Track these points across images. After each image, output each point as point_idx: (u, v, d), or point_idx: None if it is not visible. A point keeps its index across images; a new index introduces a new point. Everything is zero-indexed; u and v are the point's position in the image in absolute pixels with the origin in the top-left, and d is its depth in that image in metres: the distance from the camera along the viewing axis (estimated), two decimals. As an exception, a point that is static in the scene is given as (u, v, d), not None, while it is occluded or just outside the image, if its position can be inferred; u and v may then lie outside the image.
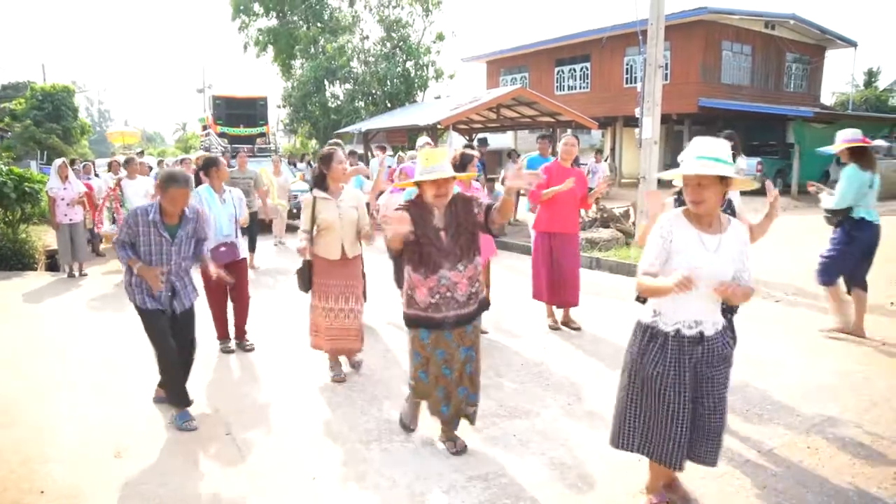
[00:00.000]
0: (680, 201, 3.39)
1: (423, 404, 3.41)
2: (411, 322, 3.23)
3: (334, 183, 4.27)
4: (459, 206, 3.15)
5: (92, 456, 3.32)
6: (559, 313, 5.63)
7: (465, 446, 3.34)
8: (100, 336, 5.57)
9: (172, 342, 3.66)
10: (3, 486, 3.03)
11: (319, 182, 4.28)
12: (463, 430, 3.42)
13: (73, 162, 11.95)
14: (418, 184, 3.15)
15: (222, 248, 4.75)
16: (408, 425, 3.54)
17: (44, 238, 9.97)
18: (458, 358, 3.21)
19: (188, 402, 3.74)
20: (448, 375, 3.22)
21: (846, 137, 4.89)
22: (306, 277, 4.35)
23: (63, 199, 8.06)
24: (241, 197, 5.08)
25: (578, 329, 5.47)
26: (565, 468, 3.13)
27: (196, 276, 3.94)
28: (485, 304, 3.28)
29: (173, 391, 3.72)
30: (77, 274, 8.27)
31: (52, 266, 9.09)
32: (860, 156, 4.85)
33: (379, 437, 3.50)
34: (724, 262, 2.43)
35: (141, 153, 13.80)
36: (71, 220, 8.14)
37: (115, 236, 7.29)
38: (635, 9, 8.96)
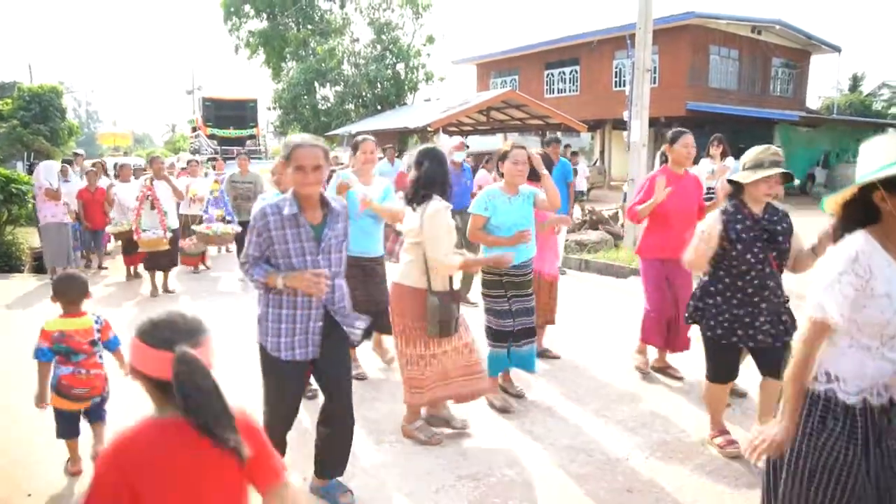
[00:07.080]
0: (734, 218, 2.76)
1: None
2: None
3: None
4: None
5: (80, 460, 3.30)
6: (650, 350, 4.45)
7: None
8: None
9: (298, 406, 2.74)
10: (-10, 488, 3.02)
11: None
12: (455, 431, 3.46)
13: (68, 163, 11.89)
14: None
15: None
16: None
17: (30, 240, 9.88)
18: None
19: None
20: None
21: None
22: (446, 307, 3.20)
23: (61, 200, 7.99)
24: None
25: (681, 379, 4.27)
26: (554, 468, 3.16)
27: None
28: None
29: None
30: (63, 277, 8.17)
31: (39, 268, 9.01)
32: None
33: (369, 437, 3.51)
34: None
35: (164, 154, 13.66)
36: (63, 221, 8.03)
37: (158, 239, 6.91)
38: (624, 13, 9.06)
